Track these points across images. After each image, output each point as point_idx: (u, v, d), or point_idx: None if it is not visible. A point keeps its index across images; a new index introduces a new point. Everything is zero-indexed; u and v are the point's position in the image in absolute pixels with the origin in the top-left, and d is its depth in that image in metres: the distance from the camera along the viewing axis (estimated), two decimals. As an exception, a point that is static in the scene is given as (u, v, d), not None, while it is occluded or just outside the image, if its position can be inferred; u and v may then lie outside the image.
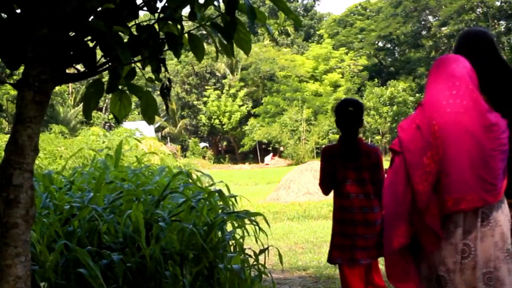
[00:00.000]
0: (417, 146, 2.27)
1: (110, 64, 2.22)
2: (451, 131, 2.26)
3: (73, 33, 2.12)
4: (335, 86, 44.30)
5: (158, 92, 2.54)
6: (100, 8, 2.14)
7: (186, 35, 2.36)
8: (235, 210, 4.43)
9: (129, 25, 2.27)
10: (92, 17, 2.11)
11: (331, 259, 3.62)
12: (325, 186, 3.65)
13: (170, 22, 2.31)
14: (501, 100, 2.48)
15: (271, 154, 43.03)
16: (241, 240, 4.23)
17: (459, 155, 2.24)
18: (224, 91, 47.34)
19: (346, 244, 3.49)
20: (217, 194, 3.99)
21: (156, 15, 2.22)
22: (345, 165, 3.52)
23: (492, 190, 2.25)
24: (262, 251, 4.19)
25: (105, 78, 2.39)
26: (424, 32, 49.49)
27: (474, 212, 2.26)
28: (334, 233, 3.62)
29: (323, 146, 3.41)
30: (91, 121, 37.46)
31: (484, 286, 2.25)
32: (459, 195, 2.24)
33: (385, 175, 2.71)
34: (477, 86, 2.35)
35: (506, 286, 2.27)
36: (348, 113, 3.55)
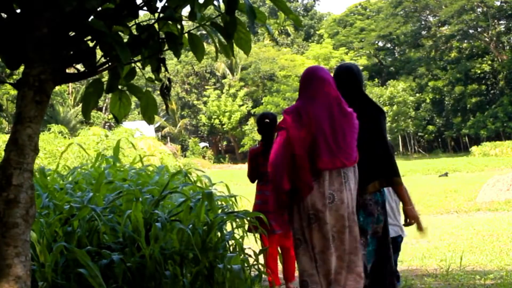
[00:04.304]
0: (297, 125, 3.25)
1: (110, 64, 2.22)
2: (320, 116, 3.26)
3: (73, 33, 2.12)
4: (335, 86, 44.24)
5: (158, 92, 2.54)
6: (100, 8, 2.14)
7: (186, 35, 2.36)
8: (235, 210, 4.42)
9: (129, 25, 2.27)
10: (92, 17, 2.11)
11: (253, 229, 4.52)
12: (251, 177, 4.89)
13: (170, 22, 2.31)
14: (351, 102, 3.45)
15: None
16: (240, 240, 4.23)
17: (326, 133, 3.24)
18: (224, 91, 47.34)
19: (266, 218, 4.38)
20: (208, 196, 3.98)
21: (156, 15, 2.22)
22: (265, 162, 4.29)
23: (349, 157, 3.26)
24: (262, 251, 4.19)
25: (105, 78, 2.39)
26: (424, 32, 49.48)
27: (338, 171, 3.24)
28: (257, 211, 4.51)
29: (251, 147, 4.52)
30: (91, 121, 37.45)
31: (347, 221, 3.23)
32: (326, 158, 3.21)
33: None
34: (336, 87, 3.37)
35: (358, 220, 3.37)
36: (265, 124, 4.74)
